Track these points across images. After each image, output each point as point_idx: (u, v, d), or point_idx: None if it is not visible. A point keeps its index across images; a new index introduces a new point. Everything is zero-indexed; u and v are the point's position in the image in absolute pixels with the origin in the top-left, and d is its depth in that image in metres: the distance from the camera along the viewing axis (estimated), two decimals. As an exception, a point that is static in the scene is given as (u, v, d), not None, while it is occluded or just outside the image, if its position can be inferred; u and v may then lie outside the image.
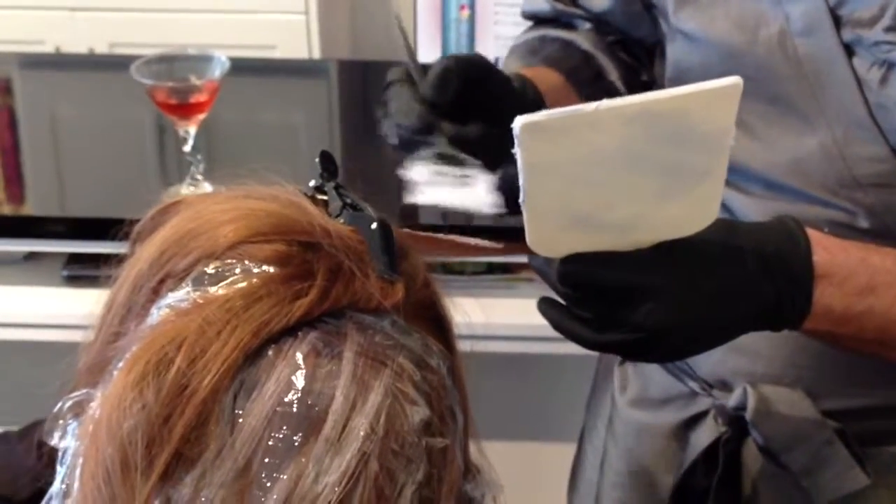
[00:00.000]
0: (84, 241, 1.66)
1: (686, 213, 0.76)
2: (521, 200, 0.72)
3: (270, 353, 0.59)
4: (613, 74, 1.14)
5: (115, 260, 0.69)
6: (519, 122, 0.68)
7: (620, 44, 1.17)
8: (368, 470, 0.57)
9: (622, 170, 0.72)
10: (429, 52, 1.92)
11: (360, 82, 2.21)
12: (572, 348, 1.63)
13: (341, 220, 0.67)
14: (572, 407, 1.56)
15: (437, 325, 0.68)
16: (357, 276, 0.63)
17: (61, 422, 0.63)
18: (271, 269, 0.62)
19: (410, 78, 0.93)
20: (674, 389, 1.14)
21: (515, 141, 0.69)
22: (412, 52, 0.95)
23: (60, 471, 0.63)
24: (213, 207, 0.66)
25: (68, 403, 0.63)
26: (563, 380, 1.89)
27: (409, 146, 0.92)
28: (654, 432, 1.16)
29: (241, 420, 0.57)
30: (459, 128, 0.91)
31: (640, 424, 1.18)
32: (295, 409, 0.57)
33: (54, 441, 0.63)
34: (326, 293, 0.61)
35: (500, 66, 1.16)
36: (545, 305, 0.82)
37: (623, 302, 0.78)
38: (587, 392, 1.36)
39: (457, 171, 0.83)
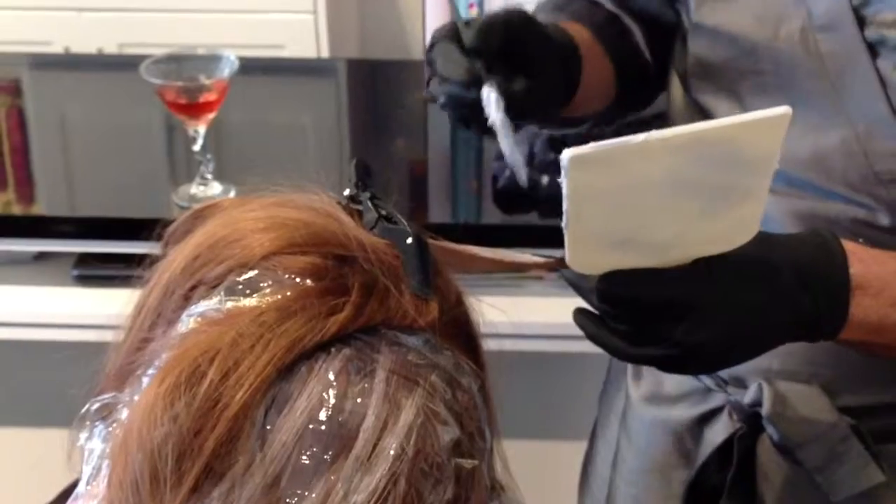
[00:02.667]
0: (94, 240, 1.66)
1: (725, 231, 0.77)
2: (563, 224, 0.73)
3: (303, 368, 0.58)
4: (637, 35, 1.14)
5: (147, 261, 0.68)
6: (567, 155, 0.68)
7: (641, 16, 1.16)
8: (397, 490, 0.56)
9: (666, 194, 0.72)
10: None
11: (369, 81, 2.21)
12: (581, 347, 1.62)
13: (375, 232, 0.66)
14: (580, 405, 1.56)
15: (469, 344, 0.67)
16: (392, 292, 0.62)
17: (88, 423, 0.62)
18: (306, 282, 0.61)
19: (456, 34, 0.94)
20: (688, 385, 1.14)
21: (562, 171, 0.69)
22: (455, 8, 0.97)
23: (86, 470, 0.62)
24: (248, 215, 0.65)
25: (95, 406, 0.62)
26: (571, 378, 1.89)
27: (456, 105, 0.93)
28: (667, 428, 1.16)
29: (271, 435, 0.56)
30: (506, 83, 0.92)
31: (654, 420, 1.17)
32: (326, 427, 0.56)
33: (80, 442, 0.62)
34: (361, 310, 0.60)
35: None
36: (581, 317, 0.82)
37: (661, 318, 0.79)
38: (596, 390, 1.36)
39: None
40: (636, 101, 1.18)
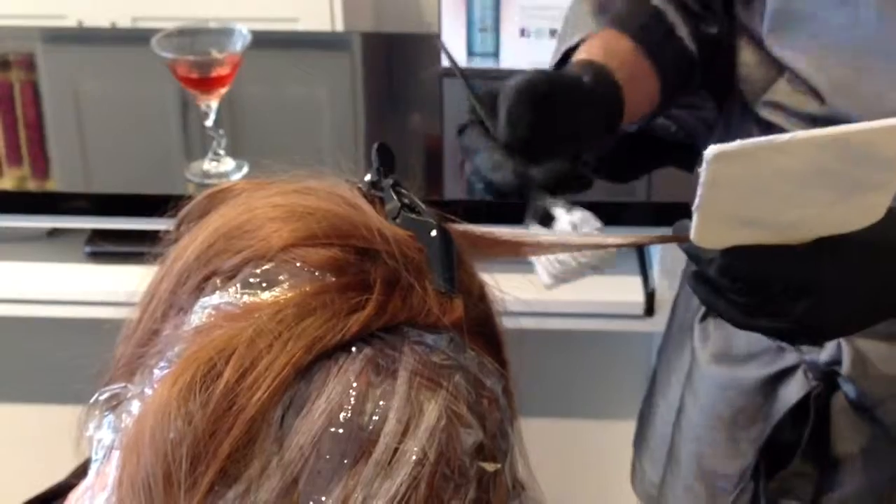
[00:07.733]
0: (106, 216, 1.65)
1: (852, 214, 0.79)
2: (694, 207, 0.74)
3: (322, 369, 0.56)
4: (683, 31, 1.11)
5: (160, 239, 0.66)
6: (712, 151, 0.70)
7: None
8: (418, 495, 0.54)
9: (800, 184, 0.74)
10: (452, 25, 1.90)
11: (384, 55, 2.19)
12: (593, 325, 1.61)
13: (398, 223, 0.63)
14: (596, 382, 1.56)
15: (492, 342, 0.64)
16: (416, 289, 0.59)
17: (97, 413, 0.61)
18: (326, 277, 0.58)
19: (479, 117, 0.94)
20: (759, 345, 1.14)
21: (703, 164, 0.71)
22: (467, 79, 0.96)
23: (96, 459, 0.61)
24: (266, 202, 0.62)
25: (104, 395, 0.61)
26: (586, 355, 1.88)
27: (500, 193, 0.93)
28: (737, 387, 1.16)
29: (288, 438, 0.54)
30: (545, 171, 0.92)
31: (724, 379, 1.18)
32: (345, 430, 0.54)
33: (89, 432, 0.61)
34: (384, 307, 0.58)
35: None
36: (696, 282, 0.83)
37: (782, 295, 0.80)
38: (612, 368, 1.35)
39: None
40: (681, 94, 1.17)
